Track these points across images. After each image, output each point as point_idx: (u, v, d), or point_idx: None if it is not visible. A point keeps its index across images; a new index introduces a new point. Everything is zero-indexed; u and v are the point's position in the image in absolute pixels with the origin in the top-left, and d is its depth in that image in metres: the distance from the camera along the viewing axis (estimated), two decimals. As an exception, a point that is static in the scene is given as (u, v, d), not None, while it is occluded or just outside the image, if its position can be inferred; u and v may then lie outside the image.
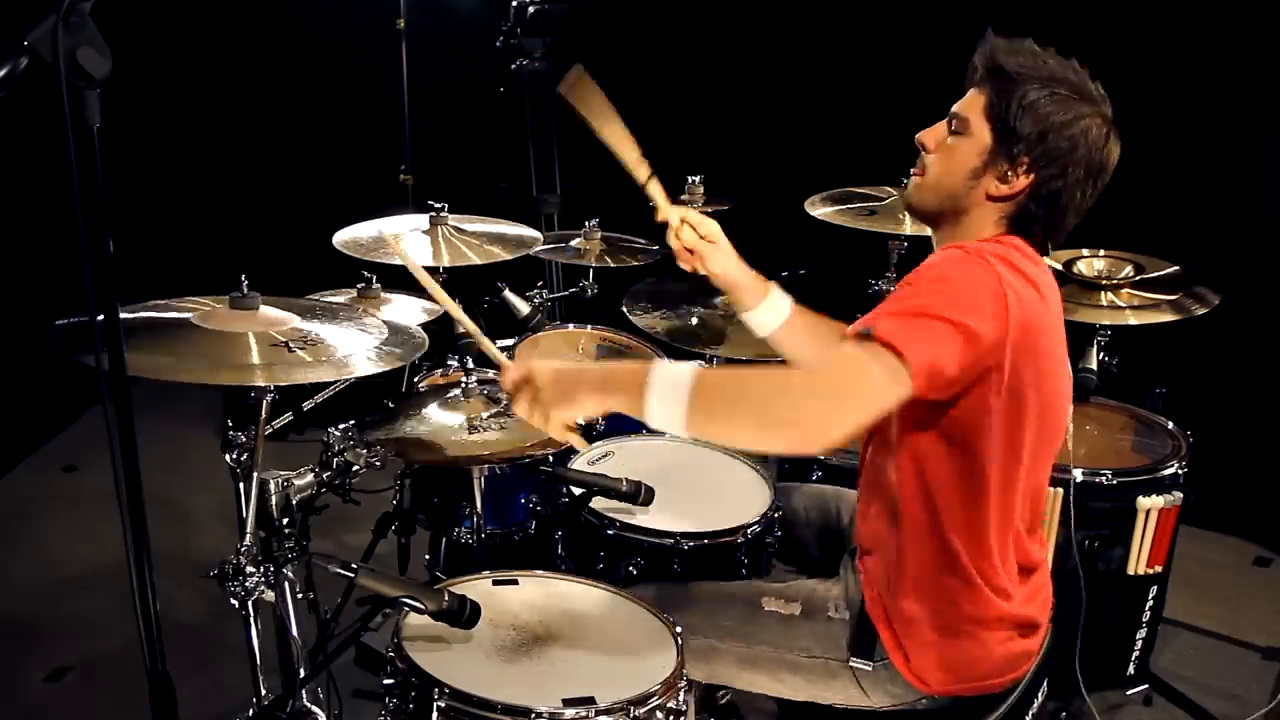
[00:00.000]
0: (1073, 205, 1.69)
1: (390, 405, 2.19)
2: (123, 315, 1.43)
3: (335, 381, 1.99)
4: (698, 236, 2.03)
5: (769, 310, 2.07)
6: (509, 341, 2.89)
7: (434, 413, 2.20)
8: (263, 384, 1.73)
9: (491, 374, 2.32)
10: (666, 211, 2.04)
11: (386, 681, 1.67)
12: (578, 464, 2.34)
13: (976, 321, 1.51)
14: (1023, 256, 1.69)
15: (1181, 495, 2.58)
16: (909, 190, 1.81)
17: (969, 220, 1.73)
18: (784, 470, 2.63)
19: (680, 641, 1.74)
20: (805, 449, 1.56)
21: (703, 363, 1.73)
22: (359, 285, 2.57)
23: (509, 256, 2.62)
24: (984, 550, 1.71)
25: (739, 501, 2.23)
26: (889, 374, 1.47)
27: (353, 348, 1.84)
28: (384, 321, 2.00)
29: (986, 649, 1.76)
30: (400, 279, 2.67)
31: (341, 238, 2.60)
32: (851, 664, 1.81)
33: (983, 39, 1.71)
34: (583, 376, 1.60)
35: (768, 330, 2.09)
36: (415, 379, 2.71)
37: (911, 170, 1.80)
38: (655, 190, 2.03)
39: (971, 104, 1.71)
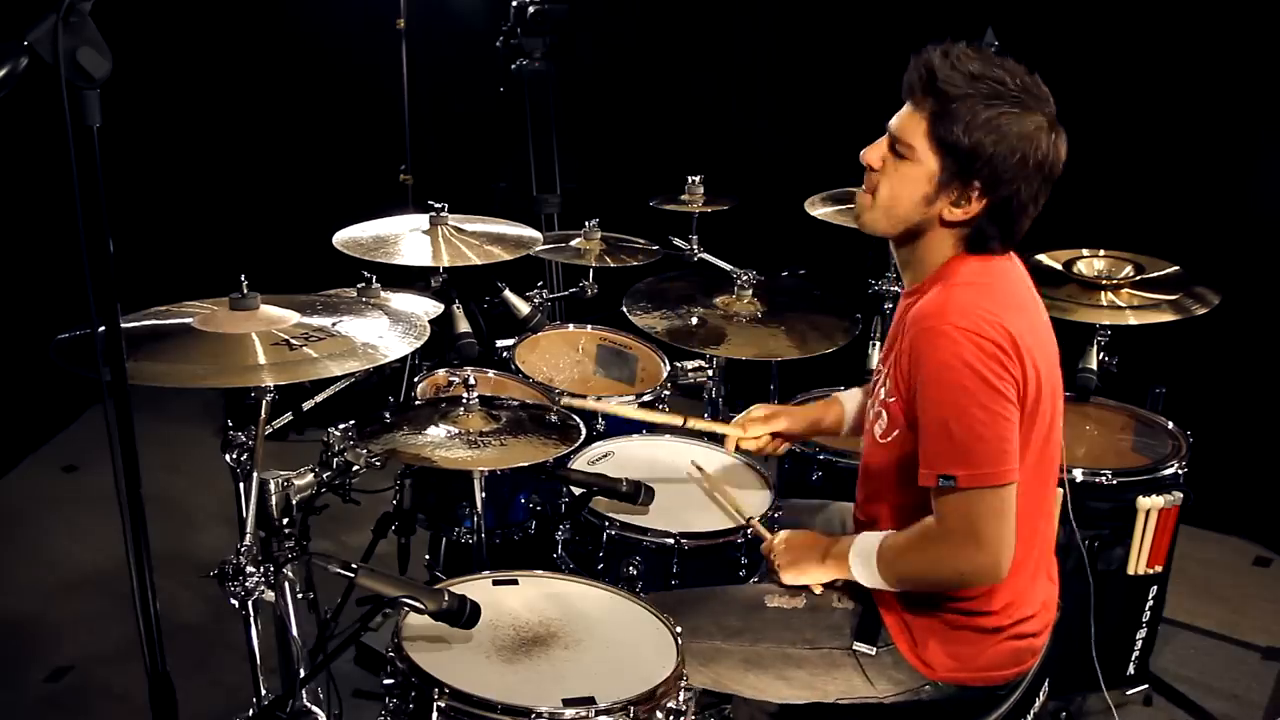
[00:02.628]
0: (1027, 213, 1.69)
1: (388, 418, 2.17)
2: (125, 325, 1.42)
3: (355, 374, 1.99)
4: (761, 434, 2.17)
5: (853, 418, 2.16)
6: (509, 341, 2.89)
7: (432, 428, 2.17)
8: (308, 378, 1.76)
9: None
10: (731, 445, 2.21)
11: (386, 681, 1.68)
12: (578, 464, 2.34)
13: (1008, 395, 1.60)
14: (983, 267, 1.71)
15: (1181, 495, 2.58)
16: (859, 210, 1.78)
17: (926, 242, 1.74)
18: (784, 471, 2.63)
19: (679, 641, 1.74)
20: (991, 584, 1.70)
21: (887, 533, 1.80)
22: (359, 285, 2.57)
23: (509, 256, 2.63)
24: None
25: (739, 501, 2.23)
26: (995, 498, 1.60)
27: (373, 335, 1.86)
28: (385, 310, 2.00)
29: (991, 640, 1.77)
30: (399, 278, 2.67)
31: (341, 238, 2.61)
32: (855, 648, 1.82)
33: (920, 51, 1.66)
34: (807, 548, 1.88)
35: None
36: (415, 379, 2.71)
37: (861, 187, 1.76)
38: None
39: (912, 127, 1.66)
